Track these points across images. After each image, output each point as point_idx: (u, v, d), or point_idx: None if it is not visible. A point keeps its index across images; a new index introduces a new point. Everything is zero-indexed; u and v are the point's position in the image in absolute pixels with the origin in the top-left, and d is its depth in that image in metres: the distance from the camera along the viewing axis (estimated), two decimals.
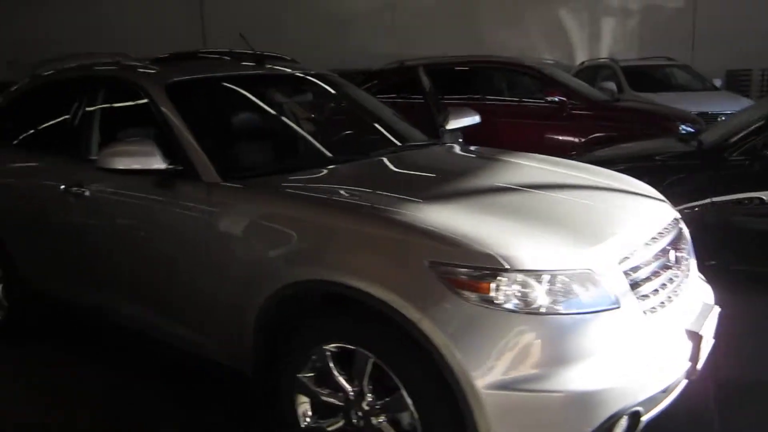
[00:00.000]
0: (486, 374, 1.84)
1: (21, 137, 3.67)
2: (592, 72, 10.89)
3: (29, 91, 3.69)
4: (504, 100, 7.43)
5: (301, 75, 3.41)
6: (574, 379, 1.87)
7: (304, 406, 2.33)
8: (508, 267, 1.88)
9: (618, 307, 1.97)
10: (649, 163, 4.57)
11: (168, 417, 2.88)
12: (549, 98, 6.94)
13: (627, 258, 2.09)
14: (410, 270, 1.93)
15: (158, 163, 2.54)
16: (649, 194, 2.79)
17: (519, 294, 1.88)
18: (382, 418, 2.14)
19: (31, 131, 3.66)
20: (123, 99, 3.14)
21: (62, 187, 3.06)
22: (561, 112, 6.90)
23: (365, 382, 2.13)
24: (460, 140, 3.65)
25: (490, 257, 1.89)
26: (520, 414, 1.88)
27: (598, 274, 1.97)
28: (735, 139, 4.25)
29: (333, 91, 3.49)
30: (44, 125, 3.55)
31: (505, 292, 1.87)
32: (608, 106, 7.21)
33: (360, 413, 2.17)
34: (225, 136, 2.93)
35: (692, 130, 6.65)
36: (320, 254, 2.12)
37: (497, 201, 2.41)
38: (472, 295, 1.88)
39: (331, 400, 2.25)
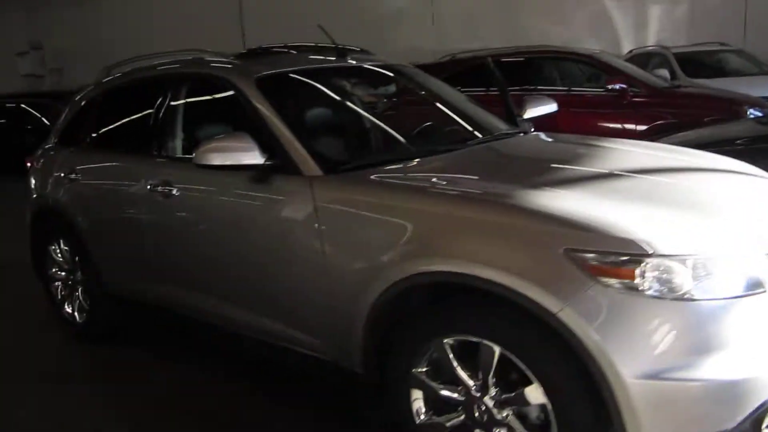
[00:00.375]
0: (632, 363, 1.75)
1: (101, 138, 3.70)
2: (642, 60, 10.59)
3: (107, 92, 3.70)
4: (563, 90, 7.26)
5: (385, 66, 3.35)
6: (721, 367, 1.77)
7: (418, 402, 2.27)
8: (652, 252, 1.78)
9: (764, 291, 1.85)
10: (734, 147, 4.39)
11: (278, 417, 2.85)
12: (610, 86, 6.77)
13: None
14: (546, 258, 1.85)
15: (256, 158, 2.50)
16: (759, 174, 2.66)
17: (663, 280, 1.78)
18: (507, 412, 2.06)
19: (112, 131, 3.68)
20: (210, 95, 3.12)
21: (148, 186, 3.05)
22: (622, 100, 6.74)
23: (490, 375, 2.05)
24: (532, 129, 3.54)
25: (633, 243, 1.79)
26: (667, 404, 1.78)
27: (741, 258, 1.87)
28: None
29: (415, 82, 3.42)
30: (126, 125, 3.56)
31: (649, 278, 1.77)
32: (670, 92, 7.00)
33: (483, 407, 2.09)
34: (317, 128, 2.88)
35: (761, 114, 6.41)
36: (443, 245, 2.04)
37: (617, 187, 2.30)
38: (614, 282, 1.78)
39: (450, 394, 2.18)
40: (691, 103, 6.70)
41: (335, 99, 3.11)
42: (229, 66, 3.01)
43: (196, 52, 3.42)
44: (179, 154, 3.13)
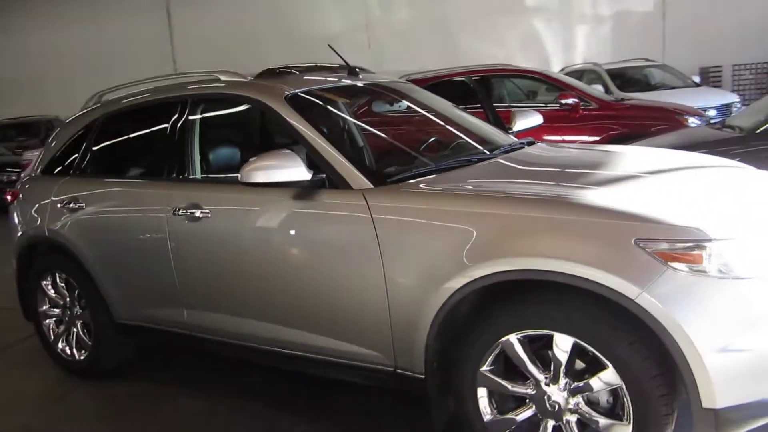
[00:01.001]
0: (706, 338, 1.91)
1: (103, 164, 3.60)
2: (575, 77, 11.20)
3: (110, 117, 3.59)
4: (518, 106, 7.60)
5: (394, 83, 3.46)
6: None
7: (484, 400, 2.35)
8: (713, 238, 1.96)
9: None
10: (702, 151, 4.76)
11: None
12: (563, 101, 7.16)
13: None
14: (620, 250, 1.99)
15: (303, 175, 2.54)
16: (742, 165, 2.94)
17: (724, 262, 1.96)
18: (578, 399, 2.18)
19: (118, 157, 3.60)
20: (236, 115, 3.12)
21: (172, 210, 3.01)
22: (575, 113, 7.14)
23: (563, 365, 2.16)
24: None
25: (698, 230, 1.97)
26: (736, 373, 1.94)
27: None
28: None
29: (423, 98, 3.54)
30: (136, 149, 3.49)
31: (714, 261, 1.95)
32: (619, 105, 7.48)
33: (553, 398, 2.20)
34: (352, 143, 2.93)
35: (700, 122, 6.96)
36: (516, 245, 2.15)
37: (651, 184, 2.49)
38: (684, 267, 1.94)
39: (519, 389, 2.28)
40: (638, 115, 7.17)
41: (359, 115, 3.18)
42: (256, 86, 3.03)
43: (187, 75, 3.40)
44: (207, 176, 3.11)
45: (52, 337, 3.83)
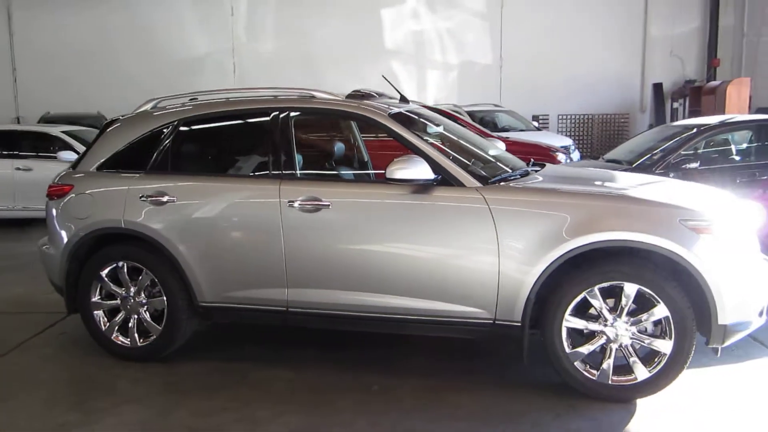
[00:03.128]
0: (722, 283, 3.14)
1: (192, 162, 4.08)
2: None
3: (195, 121, 3.99)
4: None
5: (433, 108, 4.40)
6: (759, 267, 3.31)
7: (566, 336, 3.34)
8: (713, 218, 3.21)
9: None
10: None
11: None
12: None
13: None
14: (672, 226, 3.15)
15: (430, 174, 3.37)
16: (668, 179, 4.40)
17: (722, 235, 3.21)
18: (634, 329, 3.28)
19: (213, 157, 4.09)
20: (330, 126, 3.80)
21: (288, 202, 3.59)
22: None
23: (627, 306, 3.25)
24: None
25: (706, 214, 3.21)
26: (737, 307, 3.17)
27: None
28: (654, 159, 6.21)
29: (449, 122, 4.50)
30: (237, 151, 3.96)
31: (720, 232, 3.19)
32: (503, 140, 9.01)
33: (619, 330, 3.28)
34: (447, 152, 3.73)
35: (566, 158, 8.82)
36: (598, 224, 3.19)
37: (650, 186, 3.73)
38: (707, 236, 3.16)
39: (592, 326, 3.32)
40: (521, 150, 8.76)
41: (445, 129, 4.04)
42: (365, 105, 3.78)
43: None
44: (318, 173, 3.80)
45: (105, 326, 4.03)
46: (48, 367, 4.03)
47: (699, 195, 3.64)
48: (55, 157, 8.52)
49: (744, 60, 14.81)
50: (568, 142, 11.90)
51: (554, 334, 3.35)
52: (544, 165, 4.19)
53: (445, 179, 3.45)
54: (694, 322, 3.22)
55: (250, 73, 15.97)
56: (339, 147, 4.68)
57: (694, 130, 6.42)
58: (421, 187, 3.44)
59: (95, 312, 4.05)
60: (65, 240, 4.05)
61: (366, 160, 5.03)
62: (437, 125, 4.25)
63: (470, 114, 12.51)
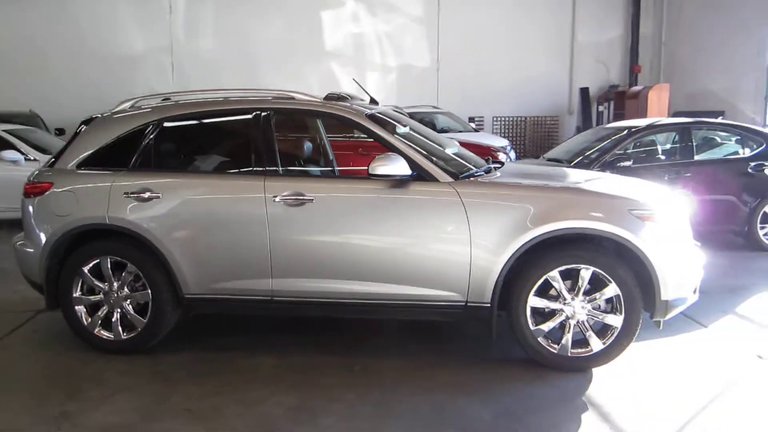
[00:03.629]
0: (664, 264, 3.61)
1: (174, 159, 4.22)
2: None
3: (175, 118, 4.15)
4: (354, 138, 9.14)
5: (396, 112, 4.72)
6: (691, 251, 3.79)
7: (530, 314, 3.74)
8: (654, 207, 3.69)
9: None
10: None
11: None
12: None
13: None
14: (622, 215, 3.60)
15: (407, 170, 3.69)
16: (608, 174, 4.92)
17: (659, 219, 3.69)
18: (589, 306, 3.71)
19: (196, 154, 4.30)
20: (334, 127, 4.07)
21: (274, 197, 3.82)
22: None
23: (583, 286, 3.68)
24: None
25: (649, 204, 3.68)
26: (677, 284, 3.65)
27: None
28: (592, 158, 6.77)
29: (415, 124, 4.83)
30: (221, 148, 4.12)
31: (661, 220, 3.67)
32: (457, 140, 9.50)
33: (576, 308, 3.70)
34: (418, 150, 4.03)
35: (506, 157, 9.35)
36: (558, 215, 3.60)
37: (598, 181, 4.18)
38: (650, 224, 3.63)
39: (552, 305, 3.73)
40: (468, 149, 9.23)
41: (411, 129, 4.33)
42: (345, 106, 4.08)
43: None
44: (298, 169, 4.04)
45: (87, 321, 4.12)
46: (30, 363, 4.08)
47: (640, 188, 4.12)
48: None
49: (662, 66, 15.97)
50: (504, 142, 12.51)
51: (520, 313, 3.73)
52: (503, 163, 4.59)
53: (420, 175, 3.78)
54: (641, 299, 3.68)
55: (189, 73, 15.78)
56: (308, 145, 4.94)
57: (626, 131, 7.03)
58: (399, 182, 3.75)
59: (77, 307, 4.13)
60: (45, 237, 4.11)
61: (331, 158, 5.30)
62: (404, 126, 4.57)
63: (410, 115, 12.88)
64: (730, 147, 7.18)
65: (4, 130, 8.83)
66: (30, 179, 4.30)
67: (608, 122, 15.86)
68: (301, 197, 3.81)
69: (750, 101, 12.70)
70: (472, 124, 14.21)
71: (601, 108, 16.27)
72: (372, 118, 4.01)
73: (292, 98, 4.17)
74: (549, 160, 7.37)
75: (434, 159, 3.97)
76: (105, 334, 4.13)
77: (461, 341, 4.30)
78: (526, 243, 3.63)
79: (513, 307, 3.74)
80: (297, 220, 3.83)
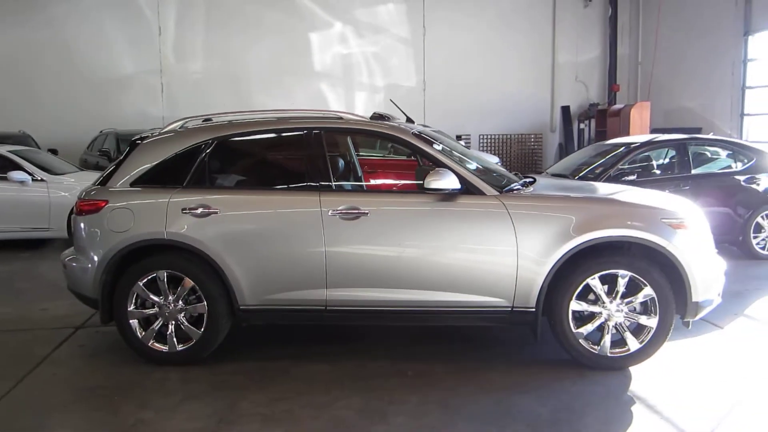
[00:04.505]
0: (696, 269, 3.92)
1: (230, 177, 4.43)
2: None
3: (230, 139, 4.36)
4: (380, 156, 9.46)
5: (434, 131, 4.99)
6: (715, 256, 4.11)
7: (571, 318, 4.01)
8: (685, 216, 4.02)
9: None
10: None
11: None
12: None
13: None
14: (655, 223, 3.91)
15: (457, 185, 3.95)
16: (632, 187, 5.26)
17: (691, 227, 4.02)
18: (626, 309, 3.99)
19: (252, 172, 4.56)
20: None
21: (330, 211, 4.03)
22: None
23: (621, 290, 3.96)
24: None
25: (680, 213, 4.01)
26: (705, 287, 3.97)
27: None
28: (597, 172, 7.14)
29: (448, 141, 5.10)
30: (277, 166, 4.41)
31: (692, 228, 4.00)
32: None
33: (613, 310, 3.98)
34: (463, 165, 4.29)
35: None
36: (599, 224, 3.89)
37: (627, 193, 4.49)
38: (681, 231, 3.94)
39: (592, 308, 4.00)
40: None
41: (449, 147, 4.59)
42: (394, 125, 4.37)
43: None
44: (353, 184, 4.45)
45: (142, 334, 4.25)
46: (88, 376, 4.18)
47: (666, 198, 4.45)
48: (6, 178, 8.33)
49: (639, 85, 16.62)
50: (495, 159, 12.90)
51: (563, 317, 4.00)
52: (535, 179, 4.88)
53: (467, 189, 4.04)
54: (674, 300, 3.98)
55: (179, 94, 15.86)
56: (342, 162, 5.18)
57: (624, 147, 7.43)
58: (448, 196, 4.01)
59: (131, 321, 4.25)
60: (102, 252, 4.24)
61: (360, 174, 5.55)
62: (438, 143, 4.84)
63: None
64: (722, 162, 7.62)
65: (9, 151, 8.84)
66: (82, 197, 4.43)
67: (589, 139, 16.45)
68: (357, 211, 4.03)
69: (726, 119, 13.33)
70: (462, 142, 14.56)
71: (582, 126, 16.80)
72: (418, 136, 4.27)
73: (341, 118, 4.41)
74: (554, 175, 7.70)
75: (478, 174, 4.24)
76: (158, 346, 4.26)
77: (500, 346, 4.54)
78: (569, 251, 3.90)
79: (556, 311, 4.01)
80: (352, 233, 4.04)
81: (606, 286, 4.01)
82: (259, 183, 4.46)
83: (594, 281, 3.96)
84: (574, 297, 3.99)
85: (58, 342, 4.77)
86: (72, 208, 8.20)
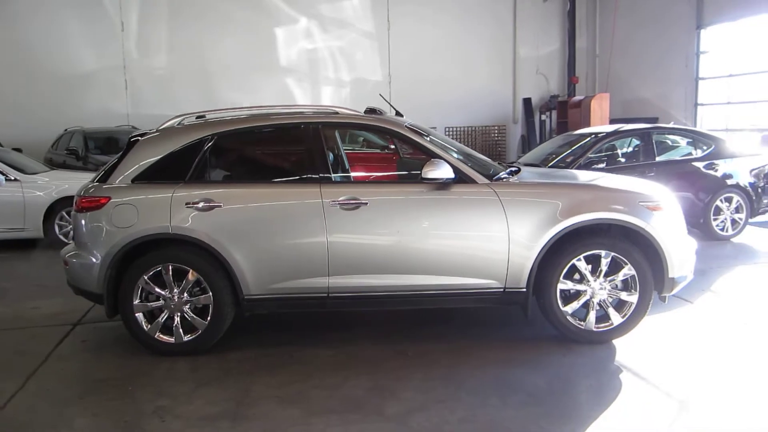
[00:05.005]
0: (672, 246, 4.26)
1: (232, 171, 4.59)
2: None
3: (230, 135, 4.47)
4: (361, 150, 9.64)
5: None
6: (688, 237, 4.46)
7: (558, 296, 4.30)
8: (658, 198, 4.36)
9: None
10: None
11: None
12: (392, 146, 9.43)
13: None
14: (635, 206, 4.23)
15: (451, 174, 4.19)
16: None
17: (662, 207, 4.35)
18: (608, 286, 4.31)
19: (253, 166, 4.71)
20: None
21: (330, 202, 4.22)
22: (395, 156, 9.49)
23: (604, 269, 4.27)
24: None
25: (655, 196, 4.34)
26: (681, 264, 4.31)
27: None
28: (567, 161, 7.49)
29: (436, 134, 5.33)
30: (278, 160, 4.54)
31: (663, 207, 4.33)
32: None
33: (597, 288, 4.29)
34: (455, 155, 4.52)
35: None
36: (585, 207, 4.19)
37: (605, 179, 4.81)
38: (656, 213, 4.27)
39: (578, 287, 4.30)
40: None
41: (438, 139, 4.81)
42: (388, 118, 4.56)
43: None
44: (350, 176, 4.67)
45: (148, 327, 4.36)
46: (97, 368, 4.27)
47: (641, 183, 4.78)
48: None
49: (597, 77, 17.21)
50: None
51: (551, 295, 4.29)
52: (519, 168, 5.16)
53: (460, 178, 4.28)
54: (652, 277, 4.31)
55: (143, 90, 15.69)
56: (341, 155, 5.39)
57: (592, 137, 7.81)
58: (442, 185, 4.24)
59: (137, 314, 4.36)
60: (106, 248, 4.32)
61: (347, 166, 5.74)
62: (427, 135, 5.07)
63: None
64: (684, 149, 8.08)
65: None
66: (82, 194, 4.50)
67: (551, 130, 16.96)
68: (357, 201, 4.23)
69: (681, 108, 13.97)
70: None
71: (543, 117, 17.29)
72: (412, 129, 4.49)
73: (336, 113, 4.59)
74: (526, 164, 8.02)
75: (469, 163, 4.49)
76: (165, 338, 4.38)
77: (493, 327, 4.82)
78: (556, 234, 4.19)
79: (545, 290, 4.30)
80: (353, 222, 4.24)
81: (590, 266, 4.31)
82: (261, 177, 4.61)
83: (579, 262, 4.27)
84: (561, 277, 4.28)
85: (58, 338, 4.83)
86: (46, 208, 8.28)
